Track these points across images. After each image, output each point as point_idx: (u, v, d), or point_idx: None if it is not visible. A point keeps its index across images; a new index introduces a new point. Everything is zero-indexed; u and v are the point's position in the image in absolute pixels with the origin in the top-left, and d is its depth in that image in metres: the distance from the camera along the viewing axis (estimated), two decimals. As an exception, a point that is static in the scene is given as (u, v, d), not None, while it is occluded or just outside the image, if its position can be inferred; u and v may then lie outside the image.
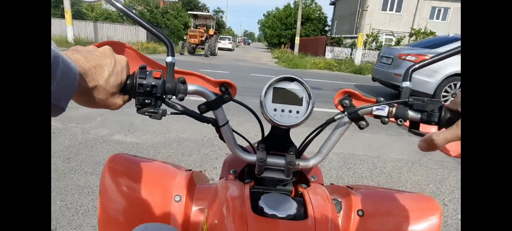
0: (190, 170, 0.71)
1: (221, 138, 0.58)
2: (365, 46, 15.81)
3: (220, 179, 0.68)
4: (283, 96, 0.52)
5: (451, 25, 20.60)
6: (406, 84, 0.52)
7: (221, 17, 45.62)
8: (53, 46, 0.30)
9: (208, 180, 0.81)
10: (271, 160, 0.56)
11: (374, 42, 17.19)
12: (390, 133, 3.64)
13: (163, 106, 0.49)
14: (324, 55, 16.90)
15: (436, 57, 0.53)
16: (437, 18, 21.29)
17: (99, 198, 0.61)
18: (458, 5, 20.58)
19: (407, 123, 0.52)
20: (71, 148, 2.51)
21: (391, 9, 21.16)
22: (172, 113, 0.51)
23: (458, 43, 2.50)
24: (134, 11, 0.50)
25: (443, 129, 0.41)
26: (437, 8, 21.14)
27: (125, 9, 0.49)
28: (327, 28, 29.87)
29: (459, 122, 0.38)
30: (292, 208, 0.49)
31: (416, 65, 0.54)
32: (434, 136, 0.39)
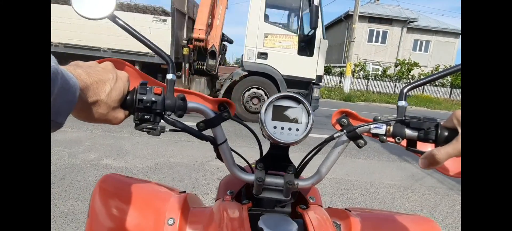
0: (185, 191, 0.68)
1: (219, 157, 0.57)
2: (353, 75, 16.33)
3: (216, 200, 0.66)
4: (282, 114, 0.52)
5: (432, 56, 21.72)
6: (401, 103, 0.53)
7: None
8: (54, 61, 0.30)
9: (202, 203, 0.78)
10: (270, 179, 0.55)
11: (361, 71, 17.82)
12: (382, 159, 3.67)
13: (162, 123, 0.49)
14: (314, 83, 17.29)
15: (429, 78, 0.55)
16: (420, 50, 22.42)
17: (88, 221, 0.58)
18: (439, 38, 21.88)
19: (404, 142, 0.53)
20: (56, 172, 2.40)
21: (376, 41, 22.18)
22: (170, 130, 0.51)
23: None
24: (136, 30, 0.51)
25: (444, 145, 0.41)
26: (419, 41, 22.33)
27: (128, 27, 0.50)
28: (316, 57, 30.86)
29: (458, 137, 0.39)
30: (293, 229, 0.47)
31: (410, 86, 0.56)
32: (435, 151, 0.40)
